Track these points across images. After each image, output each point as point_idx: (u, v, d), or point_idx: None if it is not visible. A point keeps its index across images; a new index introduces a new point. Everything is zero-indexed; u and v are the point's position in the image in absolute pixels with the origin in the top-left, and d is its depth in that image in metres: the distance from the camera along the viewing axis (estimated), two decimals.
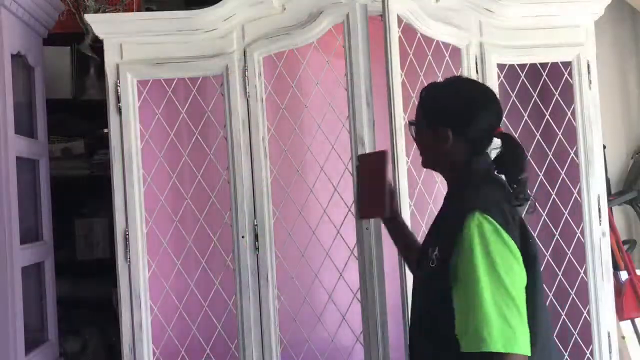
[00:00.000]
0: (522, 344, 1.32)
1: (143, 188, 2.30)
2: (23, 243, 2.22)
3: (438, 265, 1.42)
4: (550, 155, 2.55)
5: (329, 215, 2.35)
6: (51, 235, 2.50)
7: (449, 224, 1.44)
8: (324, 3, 2.31)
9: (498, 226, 1.38)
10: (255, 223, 2.30)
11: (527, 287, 1.39)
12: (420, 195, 2.25)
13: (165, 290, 2.34)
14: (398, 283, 2.04)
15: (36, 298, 2.42)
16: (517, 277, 1.36)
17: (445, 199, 1.60)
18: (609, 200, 2.72)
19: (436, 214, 1.61)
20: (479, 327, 1.31)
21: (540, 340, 1.39)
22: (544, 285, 1.53)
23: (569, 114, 2.50)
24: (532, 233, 1.54)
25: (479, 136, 1.53)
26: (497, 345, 1.29)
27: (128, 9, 2.80)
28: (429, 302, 1.48)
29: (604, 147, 2.84)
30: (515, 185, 1.49)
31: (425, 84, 1.66)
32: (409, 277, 1.90)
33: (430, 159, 1.63)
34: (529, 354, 1.33)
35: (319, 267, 2.37)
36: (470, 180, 1.51)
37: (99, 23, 2.30)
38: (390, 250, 2.11)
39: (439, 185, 2.27)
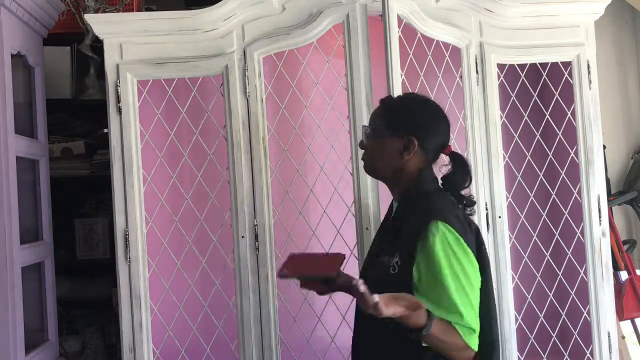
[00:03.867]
0: (476, 343, 1.50)
1: (143, 188, 2.30)
2: (23, 243, 2.22)
3: (400, 272, 1.51)
4: (550, 155, 2.55)
5: (329, 215, 2.35)
6: (51, 235, 2.50)
7: (411, 232, 1.52)
8: (324, 3, 2.31)
9: (459, 236, 1.49)
10: (255, 223, 2.30)
11: (481, 289, 1.53)
12: None
13: (165, 290, 2.34)
14: None
15: (36, 298, 2.41)
16: (475, 282, 1.51)
17: (399, 208, 1.66)
18: (609, 200, 2.72)
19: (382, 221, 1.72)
20: (453, 307, 1.46)
21: (491, 339, 1.61)
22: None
23: (569, 114, 2.50)
24: (483, 239, 1.67)
25: (436, 149, 1.64)
26: (471, 324, 1.47)
27: (128, 9, 2.80)
28: None
29: (604, 147, 2.84)
30: (463, 198, 1.65)
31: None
32: None
33: (381, 167, 1.66)
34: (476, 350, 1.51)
35: None
36: (425, 190, 1.60)
37: (99, 23, 2.30)
38: None
39: None
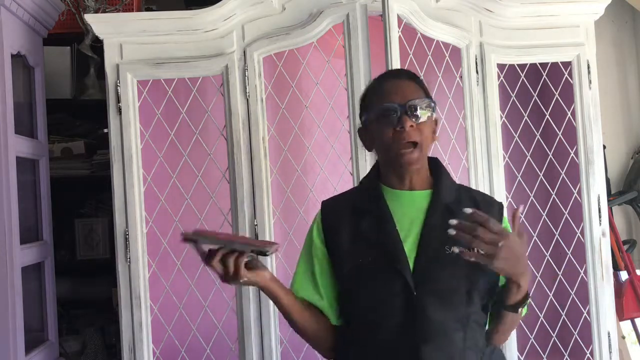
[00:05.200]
0: None
1: (143, 188, 2.30)
2: (23, 243, 2.22)
3: None
4: (550, 155, 2.55)
5: None
6: (51, 235, 2.50)
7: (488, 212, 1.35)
8: (324, 3, 2.31)
9: None
10: (255, 223, 2.30)
11: None
12: None
13: (165, 290, 2.34)
14: None
15: (36, 298, 2.41)
16: None
17: (440, 196, 1.47)
18: (609, 200, 2.72)
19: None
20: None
21: None
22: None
23: (569, 114, 2.50)
24: None
25: None
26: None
27: (128, 9, 2.80)
28: (480, 283, 1.43)
29: (604, 147, 2.84)
30: None
31: (426, 84, 1.64)
32: None
33: (425, 152, 1.48)
34: None
35: None
36: (450, 175, 1.55)
37: (99, 23, 2.30)
38: None
39: None
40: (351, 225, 1.49)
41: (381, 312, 1.42)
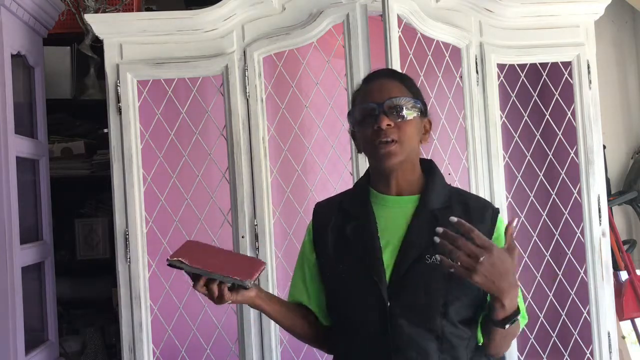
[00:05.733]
0: None
1: (143, 188, 2.30)
2: (23, 243, 2.22)
3: None
4: (550, 155, 2.55)
5: None
6: (51, 235, 2.50)
7: (476, 224, 1.30)
8: (324, 3, 2.31)
9: None
10: (255, 223, 2.30)
11: None
12: None
13: (165, 290, 2.34)
14: None
15: (36, 298, 2.41)
16: None
17: (427, 200, 1.43)
18: (609, 200, 2.72)
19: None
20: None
21: None
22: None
23: (569, 114, 2.50)
24: None
25: None
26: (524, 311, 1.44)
27: (128, 9, 2.80)
28: (460, 296, 1.37)
29: (604, 147, 2.84)
30: None
31: (426, 84, 1.64)
32: None
33: (413, 153, 1.45)
34: None
35: None
36: (442, 177, 1.49)
37: (99, 23, 2.30)
38: None
39: None
40: (338, 229, 1.49)
41: (357, 319, 1.41)
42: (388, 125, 1.38)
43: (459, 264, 1.21)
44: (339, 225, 1.49)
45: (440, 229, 1.22)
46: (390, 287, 1.38)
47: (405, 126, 1.40)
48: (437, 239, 1.21)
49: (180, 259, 1.27)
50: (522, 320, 1.39)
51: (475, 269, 1.20)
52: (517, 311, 1.29)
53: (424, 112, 1.46)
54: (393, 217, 1.44)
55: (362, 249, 1.43)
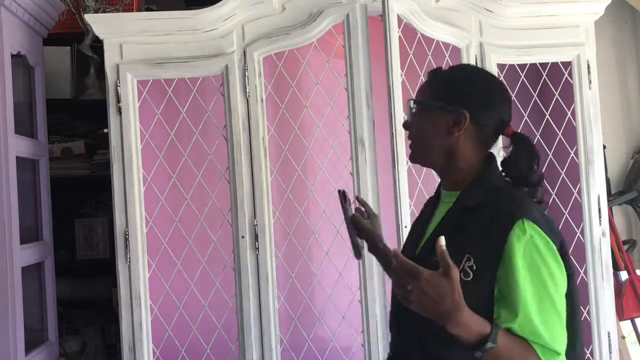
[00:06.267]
0: None
1: (143, 188, 2.30)
2: (23, 243, 2.22)
3: (477, 279, 1.23)
4: (550, 155, 2.55)
5: (329, 215, 2.35)
6: (51, 235, 2.50)
7: (488, 232, 1.25)
8: (324, 3, 2.31)
9: (549, 240, 1.22)
10: (255, 223, 2.30)
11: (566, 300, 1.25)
12: (420, 195, 2.25)
13: (165, 290, 2.34)
14: None
15: (36, 298, 2.41)
16: (561, 295, 1.24)
17: (462, 200, 1.36)
18: (609, 200, 2.72)
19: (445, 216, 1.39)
20: (534, 326, 1.19)
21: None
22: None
23: (569, 114, 2.50)
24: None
25: (494, 127, 1.38)
26: (555, 346, 1.20)
27: (128, 9, 2.80)
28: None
29: (604, 147, 2.84)
30: (533, 190, 1.36)
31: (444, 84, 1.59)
32: None
33: (430, 150, 1.38)
34: None
35: (319, 267, 2.37)
36: (492, 180, 1.35)
37: (99, 23, 2.30)
38: None
39: None
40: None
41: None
42: (404, 125, 1.44)
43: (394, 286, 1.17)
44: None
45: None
46: None
47: (417, 125, 1.40)
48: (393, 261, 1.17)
49: None
50: (541, 350, 1.19)
51: (407, 297, 1.12)
52: (484, 339, 1.14)
53: (445, 107, 1.35)
54: (439, 212, 1.43)
55: (410, 239, 1.51)
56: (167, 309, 2.36)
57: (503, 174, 1.38)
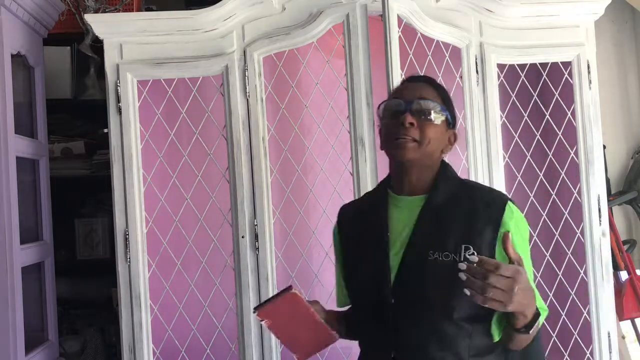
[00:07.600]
0: None
1: (143, 188, 2.30)
2: (23, 243, 2.22)
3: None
4: (550, 155, 2.55)
5: (329, 215, 2.35)
6: (51, 235, 2.50)
7: (481, 218, 1.37)
8: (324, 3, 2.31)
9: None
10: (255, 223, 2.30)
11: None
12: None
13: (165, 290, 2.34)
14: None
15: (36, 298, 2.41)
16: None
17: (433, 199, 1.44)
18: (609, 200, 2.72)
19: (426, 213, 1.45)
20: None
21: None
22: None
23: (569, 114, 2.50)
24: None
25: None
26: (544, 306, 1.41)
27: (128, 9, 2.80)
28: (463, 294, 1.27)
29: (604, 147, 2.84)
30: None
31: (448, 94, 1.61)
32: None
33: (433, 158, 1.46)
34: None
35: (319, 267, 2.37)
36: (454, 176, 1.50)
37: (99, 23, 2.30)
38: None
39: None
40: (357, 230, 1.54)
41: (367, 317, 1.48)
42: (411, 123, 1.40)
43: (492, 297, 1.17)
44: (357, 228, 1.54)
45: (463, 265, 1.19)
46: (394, 287, 1.41)
47: (427, 128, 1.41)
48: (462, 276, 1.19)
49: (264, 320, 1.39)
50: (543, 312, 1.34)
51: (511, 300, 1.18)
52: (537, 314, 1.29)
53: (451, 124, 1.48)
54: (402, 217, 1.46)
55: (372, 250, 1.46)
56: (167, 309, 2.36)
57: None
